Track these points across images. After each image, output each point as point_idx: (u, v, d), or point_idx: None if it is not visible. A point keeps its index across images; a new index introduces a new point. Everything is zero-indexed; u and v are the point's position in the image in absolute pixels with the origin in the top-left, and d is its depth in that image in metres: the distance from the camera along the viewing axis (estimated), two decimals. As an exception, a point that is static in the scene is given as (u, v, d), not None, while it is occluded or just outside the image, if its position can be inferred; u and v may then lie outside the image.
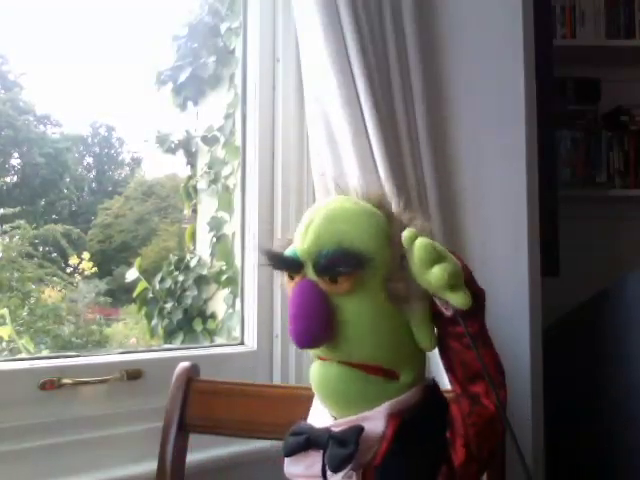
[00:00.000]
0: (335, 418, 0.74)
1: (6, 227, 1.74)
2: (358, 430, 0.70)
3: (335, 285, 0.70)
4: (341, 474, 0.70)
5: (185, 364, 1.00)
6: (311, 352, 0.75)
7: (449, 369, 0.75)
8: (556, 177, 1.79)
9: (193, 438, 0.99)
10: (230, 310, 1.50)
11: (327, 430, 0.72)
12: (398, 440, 0.70)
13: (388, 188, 1.13)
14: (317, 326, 0.70)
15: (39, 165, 2.00)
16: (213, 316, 1.63)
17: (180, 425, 0.96)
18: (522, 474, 0.67)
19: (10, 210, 1.80)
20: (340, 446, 0.70)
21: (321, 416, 0.76)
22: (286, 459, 0.74)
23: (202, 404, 0.98)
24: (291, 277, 0.74)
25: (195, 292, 1.66)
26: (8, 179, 1.98)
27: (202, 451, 1.09)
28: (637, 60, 2.23)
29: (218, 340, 1.55)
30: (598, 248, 2.09)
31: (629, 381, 1.36)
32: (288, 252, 0.74)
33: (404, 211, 0.75)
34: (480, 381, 0.72)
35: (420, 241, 0.67)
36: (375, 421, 0.71)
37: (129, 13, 1.80)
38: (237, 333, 1.37)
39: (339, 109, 1.16)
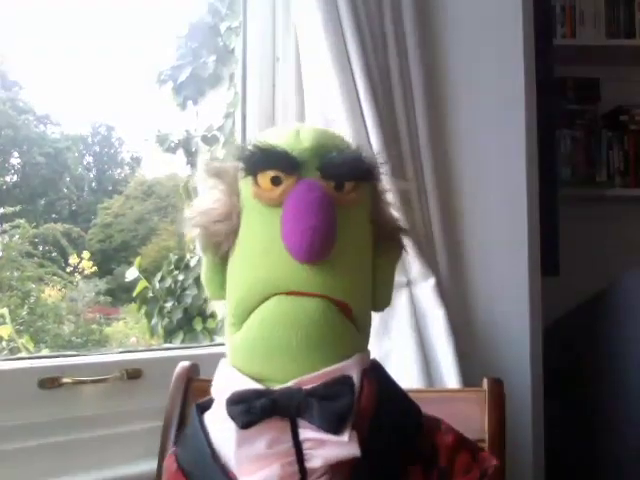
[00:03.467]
0: (266, 386, 0.59)
1: (6, 226, 1.74)
2: (349, 380, 0.58)
3: (340, 193, 0.61)
4: (339, 438, 0.55)
5: (185, 363, 1.00)
6: (263, 286, 0.60)
7: None
8: (556, 177, 1.79)
9: (193, 437, 0.99)
10: (230, 309, 1.50)
11: (296, 389, 0.57)
12: (381, 403, 0.61)
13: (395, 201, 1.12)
14: (333, 233, 0.58)
15: (39, 164, 2.00)
16: (213, 315, 1.63)
17: (180, 424, 0.96)
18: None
19: (10, 209, 1.80)
20: (330, 401, 0.56)
21: (250, 387, 0.60)
22: (237, 437, 0.57)
23: (202, 403, 0.98)
24: (275, 182, 0.61)
25: (195, 291, 1.66)
26: (8, 178, 1.98)
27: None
28: (637, 60, 2.23)
29: (218, 339, 1.55)
30: (598, 248, 2.09)
31: (629, 380, 1.36)
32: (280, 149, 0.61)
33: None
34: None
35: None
36: (352, 373, 0.60)
37: (129, 13, 1.80)
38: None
39: (339, 109, 1.16)
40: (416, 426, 0.63)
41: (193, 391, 0.98)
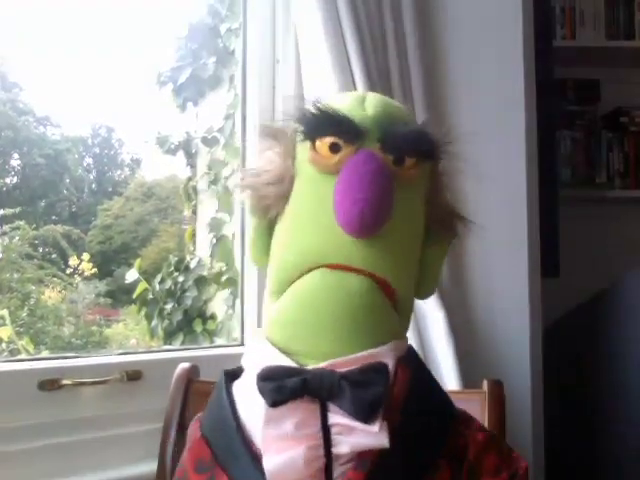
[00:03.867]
0: (300, 362, 0.56)
1: (6, 228, 1.74)
2: (383, 368, 0.55)
3: (399, 168, 0.58)
4: (369, 427, 0.53)
5: (185, 365, 1.00)
6: (306, 257, 0.58)
7: None
8: (556, 177, 1.79)
9: (193, 439, 0.99)
10: (230, 311, 1.50)
11: (331, 371, 0.55)
12: (412, 392, 0.59)
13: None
14: (387, 207, 0.55)
15: (39, 166, 2.00)
16: (213, 317, 1.63)
17: (180, 426, 0.96)
18: None
19: (10, 211, 1.80)
20: (363, 388, 0.53)
21: (282, 363, 0.58)
22: (264, 416, 0.55)
23: (202, 405, 0.97)
24: (334, 150, 0.58)
25: (195, 293, 1.66)
26: (8, 180, 1.98)
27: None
28: (637, 61, 2.23)
29: (218, 341, 1.55)
30: (598, 248, 2.09)
31: (629, 380, 1.36)
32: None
33: None
34: None
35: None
36: (387, 360, 0.57)
37: (129, 13, 1.80)
38: (237, 334, 1.37)
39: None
40: (448, 418, 0.61)
41: (193, 393, 0.98)
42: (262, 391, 0.55)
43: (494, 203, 1.33)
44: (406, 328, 0.64)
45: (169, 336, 1.67)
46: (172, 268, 1.73)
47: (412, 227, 0.61)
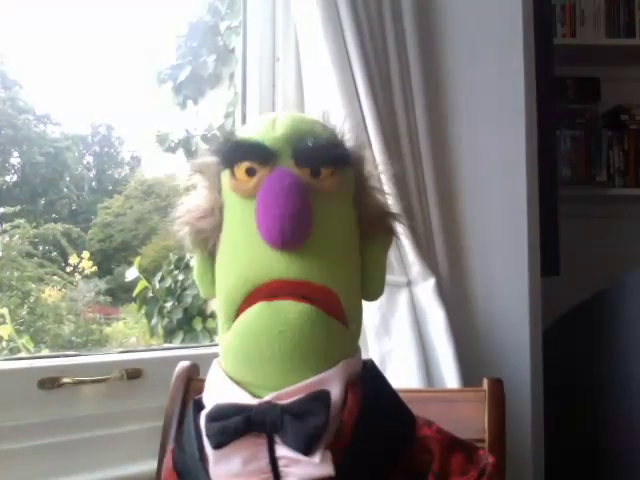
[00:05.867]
0: (255, 395, 0.58)
1: (6, 226, 1.74)
2: (325, 396, 0.56)
3: (317, 180, 0.60)
4: (311, 459, 0.54)
5: (185, 363, 1.00)
6: (244, 284, 0.59)
7: None
8: (556, 177, 1.79)
9: (193, 438, 0.99)
10: (230, 309, 1.50)
11: (272, 404, 0.56)
12: (364, 413, 0.59)
13: (387, 187, 1.12)
14: (308, 214, 0.58)
15: (39, 164, 2.00)
16: (213, 315, 1.63)
17: (180, 424, 0.96)
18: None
19: (10, 209, 1.80)
20: (302, 420, 0.54)
21: (231, 395, 0.59)
22: (212, 456, 0.57)
23: (202, 404, 0.98)
24: (250, 174, 0.60)
25: (195, 291, 1.66)
26: (8, 178, 1.97)
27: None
28: (637, 59, 2.22)
29: (218, 339, 1.55)
30: (598, 248, 2.08)
31: (629, 380, 1.36)
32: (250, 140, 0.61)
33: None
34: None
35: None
36: (333, 385, 0.58)
37: (129, 12, 1.80)
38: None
39: (339, 108, 1.16)
40: (405, 438, 0.62)
41: (193, 391, 0.98)
42: (208, 434, 0.57)
43: (494, 203, 1.34)
44: (357, 337, 0.65)
45: (169, 334, 1.68)
46: (172, 266, 1.73)
47: (342, 232, 0.63)
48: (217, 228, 0.64)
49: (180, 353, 1.26)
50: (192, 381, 0.99)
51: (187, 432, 0.64)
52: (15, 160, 2.03)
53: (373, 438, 0.59)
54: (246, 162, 0.61)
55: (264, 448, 0.56)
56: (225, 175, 0.64)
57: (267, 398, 0.57)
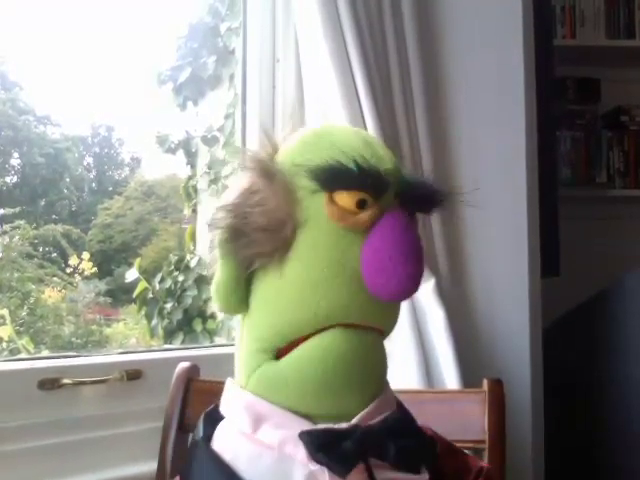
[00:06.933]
0: (314, 422, 0.54)
1: (6, 227, 1.74)
2: (411, 418, 0.57)
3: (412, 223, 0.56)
4: (419, 476, 0.54)
5: (185, 364, 1.00)
6: (320, 316, 0.55)
7: None
8: (556, 177, 1.79)
9: (193, 438, 0.99)
10: (230, 310, 1.50)
11: (369, 427, 0.54)
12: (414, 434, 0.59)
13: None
14: (423, 268, 0.54)
15: (39, 165, 2.00)
16: (213, 316, 1.63)
17: (180, 425, 0.96)
18: None
19: (10, 210, 1.80)
20: (401, 439, 0.53)
21: (292, 424, 0.55)
22: None
23: (202, 404, 0.97)
24: (361, 206, 0.54)
25: (195, 292, 1.66)
26: (8, 179, 1.98)
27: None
28: (637, 60, 2.22)
29: (218, 340, 1.55)
30: (598, 248, 2.08)
31: (628, 380, 1.36)
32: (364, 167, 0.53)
33: None
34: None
35: None
36: (390, 405, 0.58)
37: (129, 13, 1.80)
38: (237, 333, 1.37)
39: (339, 109, 1.16)
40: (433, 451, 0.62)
41: (193, 392, 0.98)
42: (324, 461, 0.52)
43: (494, 203, 1.34)
44: None
45: (169, 335, 1.68)
46: (172, 267, 1.73)
47: None
48: (282, 248, 0.55)
49: (180, 354, 1.25)
50: (192, 382, 0.99)
51: (204, 469, 0.59)
52: (15, 161, 2.03)
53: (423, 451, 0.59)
54: (359, 192, 0.53)
55: (364, 475, 0.53)
56: (314, 194, 0.55)
57: (354, 421, 0.55)
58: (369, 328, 0.56)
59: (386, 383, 0.60)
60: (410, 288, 0.53)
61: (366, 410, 0.55)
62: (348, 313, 0.55)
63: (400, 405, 0.62)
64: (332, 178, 0.53)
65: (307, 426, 0.54)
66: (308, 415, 0.55)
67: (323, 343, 0.54)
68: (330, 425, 0.54)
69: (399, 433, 0.54)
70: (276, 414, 0.55)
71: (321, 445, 0.52)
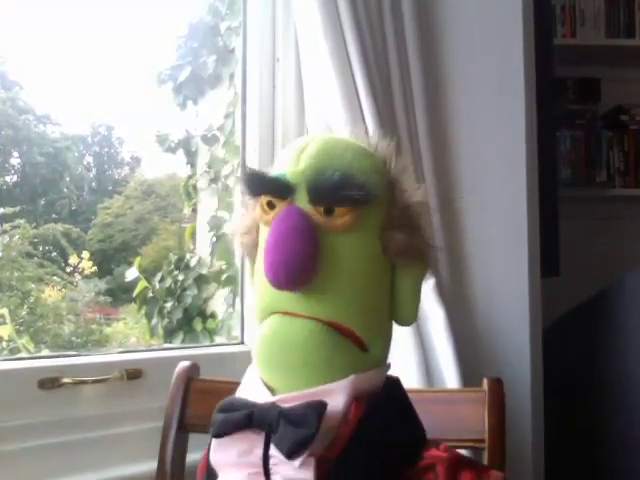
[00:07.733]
0: (273, 394, 0.62)
1: (6, 226, 1.74)
2: (320, 407, 0.57)
3: (330, 218, 0.60)
4: (293, 463, 0.56)
5: (185, 364, 1.00)
6: (266, 304, 0.63)
7: None
8: (556, 177, 1.79)
9: (193, 438, 0.99)
10: (230, 309, 1.51)
11: (274, 406, 0.59)
12: (361, 428, 0.59)
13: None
14: (306, 262, 0.58)
15: (39, 164, 2.00)
16: (213, 315, 1.63)
17: (180, 425, 0.96)
18: None
19: (10, 209, 1.80)
20: (294, 426, 0.56)
21: (255, 391, 0.63)
22: (213, 443, 0.62)
23: (202, 404, 0.98)
24: (271, 206, 0.63)
25: (195, 291, 1.66)
26: (8, 178, 1.98)
27: (202, 451, 1.09)
28: (637, 60, 2.22)
29: (218, 339, 1.55)
30: (598, 248, 2.08)
31: (629, 380, 1.36)
32: (273, 174, 0.63)
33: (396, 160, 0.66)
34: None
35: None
36: (336, 397, 0.59)
37: (129, 12, 1.80)
38: (237, 332, 1.37)
39: (339, 109, 1.16)
40: (407, 457, 0.62)
41: (193, 391, 0.98)
42: (212, 421, 0.62)
43: (494, 203, 1.34)
44: (377, 359, 0.65)
45: (169, 334, 1.68)
46: (172, 266, 1.73)
47: (357, 267, 0.62)
48: (255, 246, 0.69)
49: (180, 353, 1.25)
50: (192, 381, 0.99)
51: None
52: (15, 160, 2.03)
53: (367, 453, 0.60)
54: (267, 195, 0.63)
55: (260, 445, 0.59)
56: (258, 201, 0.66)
57: (273, 399, 0.60)
58: (306, 317, 0.60)
59: (348, 378, 0.60)
60: (281, 274, 0.57)
61: (289, 394, 0.60)
62: (273, 304, 0.62)
63: (390, 400, 0.65)
64: (247, 187, 0.65)
65: (268, 397, 0.61)
66: (268, 385, 0.63)
67: (263, 325, 0.63)
68: (254, 398, 0.61)
69: (298, 421, 0.57)
70: (251, 382, 0.65)
71: (222, 409, 0.61)
